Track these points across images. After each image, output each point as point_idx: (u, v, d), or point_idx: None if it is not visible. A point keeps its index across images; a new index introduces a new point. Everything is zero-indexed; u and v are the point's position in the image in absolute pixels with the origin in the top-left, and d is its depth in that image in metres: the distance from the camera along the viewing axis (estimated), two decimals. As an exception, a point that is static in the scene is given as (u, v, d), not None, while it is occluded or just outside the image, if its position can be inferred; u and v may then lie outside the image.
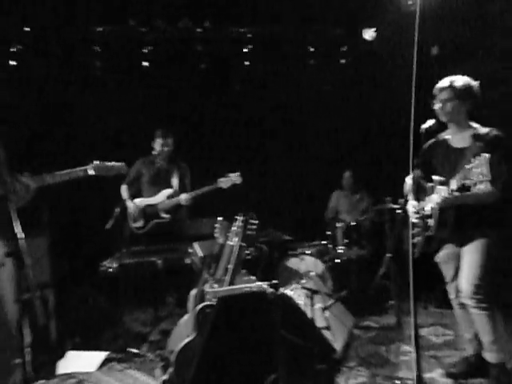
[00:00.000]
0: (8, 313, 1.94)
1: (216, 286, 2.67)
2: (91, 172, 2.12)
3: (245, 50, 5.34)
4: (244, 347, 2.40)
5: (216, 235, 3.10)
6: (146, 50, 5.17)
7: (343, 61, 5.48)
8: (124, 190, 4.02)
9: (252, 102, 5.50)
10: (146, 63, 5.20)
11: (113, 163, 2.21)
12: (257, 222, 2.71)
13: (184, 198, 3.78)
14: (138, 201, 3.94)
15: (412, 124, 2.12)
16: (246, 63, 5.39)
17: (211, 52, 5.27)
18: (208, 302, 2.57)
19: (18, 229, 1.49)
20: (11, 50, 4.65)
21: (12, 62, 4.67)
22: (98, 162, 2.15)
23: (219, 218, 4.38)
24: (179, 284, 4.06)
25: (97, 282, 3.74)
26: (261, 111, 5.49)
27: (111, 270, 3.44)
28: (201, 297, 2.81)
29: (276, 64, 5.40)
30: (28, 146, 4.35)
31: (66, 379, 2.96)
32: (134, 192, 3.89)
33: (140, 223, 3.89)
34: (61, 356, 3.26)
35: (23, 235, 1.47)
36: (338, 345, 2.83)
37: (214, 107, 5.40)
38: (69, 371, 3.06)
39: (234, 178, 3.74)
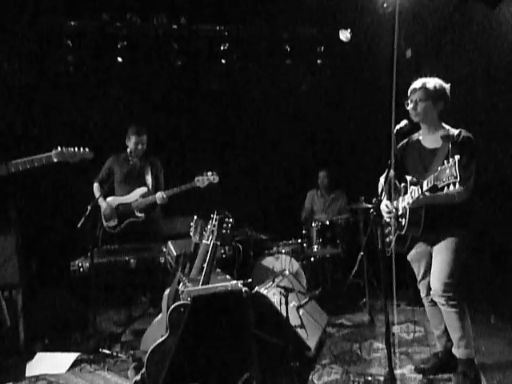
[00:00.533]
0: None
1: (190, 285, 2.64)
2: (55, 159, 2.05)
3: (221, 48, 5.31)
4: (217, 346, 2.39)
5: (191, 234, 3.06)
6: (120, 46, 5.08)
7: (319, 61, 5.52)
8: (96, 188, 3.94)
9: (228, 101, 5.48)
10: (120, 59, 5.11)
11: (76, 149, 2.14)
12: (232, 220, 2.69)
13: (160, 196, 3.73)
14: (110, 199, 3.86)
15: (393, 125, 2.15)
16: (222, 61, 5.37)
17: (187, 49, 5.22)
18: (181, 302, 2.54)
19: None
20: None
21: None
22: (61, 148, 2.08)
23: (194, 217, 4.36)
24: (153, 283, 4.00)
25: (68, 282, 3.64)
26: (237, 110, 5.49)
27: (82, 269, 3.36)
28: (175, 296, 2.77)
29: (252, 62, 5.40)
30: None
31: (35, 381, 2.88)
32: (107, 190, 3.81)
33: (113, 222, 3.82)
34: (30, 358, 3.17)
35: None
36: (311, 343, 2.85)
37: (190, 105, 5.36)
38: (38, 373, 2.98)
39: (211, 177, 3.72)
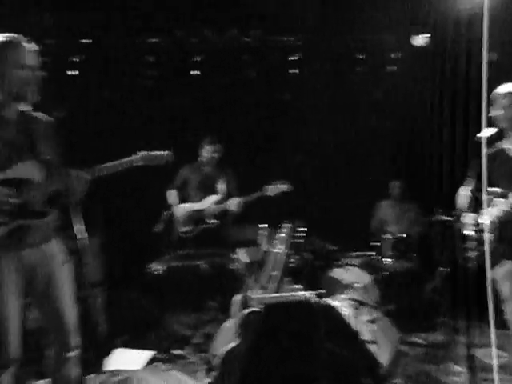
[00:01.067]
0: (64, 309, 2.02)
1: (260, 292, 2.67)
2: (138, 162, 2.17)
3: (293, 59, 5.35)
4: (288, 356, 2.38)
5: (260, 242, 3.10)
6: (195, 60, 5.31)
7: (393, 68, 5.36)
8: (172, 196, 4.12)
9: (300, 111, 5.49)
10: (195, 72, 5.34)
11: (158, 152, 2.25)
12: (303, 229, 2.69)
13: (233, 203, 3.82)
14: (185, 206, 4.03)
15: (482, 131, 2.03)
16: (295, 71, 5.40)
17: (259, 61, 5.32)
18: (252, 309, 2.57)
19: (79, 228, 1.56)
20: (72, 60, 4.93)
21: (71, 72, 4.95)
22: (143, 152, 2.21)
23: (262, 225, 4.41)
24: (222, 289, 4.10)
25: (144, 284, 3.84)
26: (309, 120, 5.47)
27: (158, 272, 3.53)
28: (244, 303, 2.82)
29: (324, 72, 5.37)
30: (81, 145, 4.56)
31: (113, 375, 3.05)
32: (182, 197, 3.98)
33: (187, 228, 3.97)
34: (108, 353, 3.36)
35: (86, 235, 1.53)
36: (383, 360, 2.74)
37: (262, 116, 5.44)
38: (116, 368, 3.15)
39: (282, 186, 3.75)
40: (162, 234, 3.30)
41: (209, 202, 3.97)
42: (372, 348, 2.74)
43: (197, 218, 3.96)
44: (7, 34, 1.94)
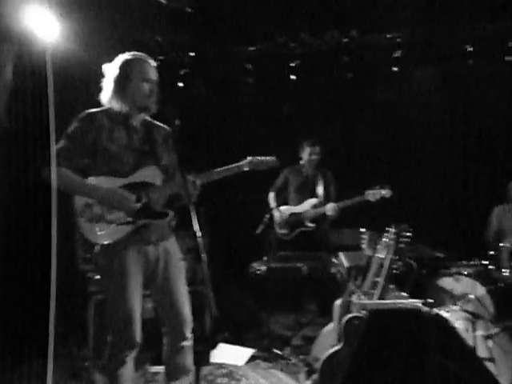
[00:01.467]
0: (180, 301, 2.18)
1: (364, 298, 2.61)
2: (246, 167, 2.27)
3: (395, 56, 5.13)
4: (394, 365, 2.28)
5: (363, 246, 3.02)
6: (293, 64, 5.37)
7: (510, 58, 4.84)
8: (271, 198, 4.22)
9: (403, 111, 5.25)
10: (293, 76, 5.40)
11: (265, 157, 2.32)
12: (410, 234, 2.57)
13: (330, 208, 3.79)
14: (284, 208, 4.09)
15: None
16: (395, 69, 5.18)
17: (358, 61, 5.20)
18: (356, 314, 2.52)
19: (196, 227, 1.68)
20: (180, 73, 5.32)
21: (180, 84, 5.34)
22: (251, 158, 2.29)
23: (362, 229, 4.29)
24: (322, 292, 4.07)
25: (245, 283, 3.97)
26: (413, 119, 5.20)
27: (259, 272, 3.63)
28: (346, 307, 2.77)
29: (429, 68, 5.07)
30: (191, 151, 4.89)
31: (218, 368, 3.22)
32: (281, 200, 4.05)
33: (286, 230, 4.03)
34: (213, 347, 3.55)
35: (201, 233, 1.65)
36: (503, 381, 2.49)
37: (363, 116, 5.31)
38: (220, 361, 3.32)
39: (383, 191, 3.62)
40: (263, 236, 3.39)
41: (307, 206, 3.98)
42: (489, 366, 2.51)
43: (295, 220, 4.00)
44: (133, 53, 2.16)
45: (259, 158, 2.29)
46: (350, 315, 2.51)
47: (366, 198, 3.66)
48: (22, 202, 2.80)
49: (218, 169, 2.23)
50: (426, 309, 2.25)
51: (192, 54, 5.25)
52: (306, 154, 4.01)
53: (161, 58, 4.96)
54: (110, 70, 2.13)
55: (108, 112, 2.12)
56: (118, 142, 2.08)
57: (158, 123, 2.27)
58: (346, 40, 5.24)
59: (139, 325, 2.12)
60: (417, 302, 2.35)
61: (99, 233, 2.03)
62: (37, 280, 2.35)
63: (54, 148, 1.94)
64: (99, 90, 2.14)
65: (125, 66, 2.11)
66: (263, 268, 3.61)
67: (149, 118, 2.23)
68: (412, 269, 3.76)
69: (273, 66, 5.44)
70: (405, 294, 2.78)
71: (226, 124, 5.35)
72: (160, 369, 3.06)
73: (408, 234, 2.60)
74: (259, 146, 5.00)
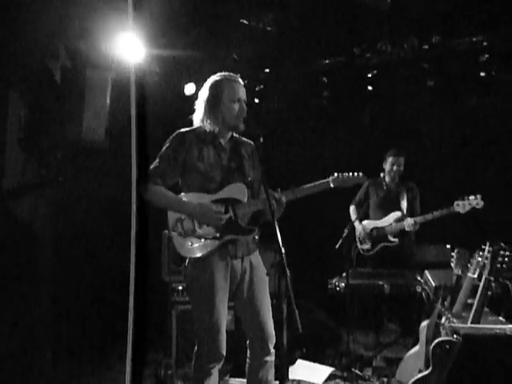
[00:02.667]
0: (264, 314, 2.19)
1: (455, 321, 2.42)
2: (332, 184, 2.23)
3: (481, 60, 4.80)
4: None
5: (452, 265, 2.82)
6: (370, 75, 5.24)
7: None
8: (352, 211, 4.11)
9: (491, 117, 4.87)
10: (370, 87, 5.26)
11: (352, 174, 2.26)
12: (509, 253, 2.35)
13: (409, 223, 3.60)
14: (366, 223, 3.96)
15: None
16: (482, 74, 4.83)
17: (439, 68, 4.94)
18: (446, 338, 2.35)
19: (280, 243, 1.69)
20: (256, 89, 5.44)
21: (256, 100, 5.46)
22: (337, 174, 2.25)
23: (448, 246, 4.00)
24: (404, 312, 3.87)
25: (324, 299, 3.89)
26: (503, 125, 4.80)
27: (338, 288, 3.53)
28: (434, 330, 2.60)
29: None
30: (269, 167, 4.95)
31: (296, 385, 3.19)
32: (362, 213, 3.93)
33: (367, 245, 3.90)
34: (291, 362, 3.50)
35: (284, 250, 1.65)
36: None
37: (447, 124, 5.01)
38: (298, 378, 3.27)
39: (474, 201, 3.34)
40: (343, 251, 3.30)
41: (390, 220, 3.82)
42: None
43: (377, 235, 3.85)
44: (223, 73, 2.23)
45: (346, 174, 2.24)
46: (439, 339, 2.34)
47: (455, 209, 3.41)
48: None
49: (305, 185, 2.22)
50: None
51: (267, 70, 5.36)
52: (389, 165, 3.85)
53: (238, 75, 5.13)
54: (202, 92, 2.23)
55: (197, 131, 2.22)
56: (206, 160, 2.17)
57: (244, 139, 2.32)
58: (426, 47, 5.03)
59: (224, 337, 2.17)
60: (517, 328, 2.13)
61: (189, 247, 2.13)
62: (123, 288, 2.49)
63: (135, 164, 2.09)
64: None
65: (215, 87, 2.19)
66: (342, 285, 3.51)
67: (236, 135, 2.29)
68: (509, 291, 3.43)
69: (349, 77, 5.36)
70: (501, 319, 2.54)
71: (303, 138, 5.34)
72: (239, 381, 3.12)
73: (506, 252, 2.38)
74: (339, 161, 4.99)
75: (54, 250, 3.12)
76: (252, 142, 2.30)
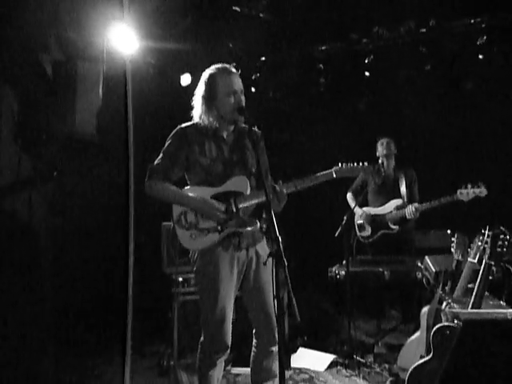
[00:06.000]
0: (270, 304, 2.18)
1: (456, 306, 2.42)
2: (335, 175, 2.21)
3: (478, 43, 4.73)
4: (489, 381, 2.09)
5: (452, 250, 2.81)
6: (367, 60, 5.17)
7: None
8: (350, 198, 4.08)
9: (489, 102, 4.82)
10: (367, 73, 5.20)
11: (354, 165, 2.23)
12: (509, 238, 2.34)
13: (410, 210, 3.58)
14: (365, 210, 3.94)
15: None
16: (480, 57, 4.77)
17: (437, 51, 4.87)
18: (446, 323, 2.35)
19: (277, 232, 1.68)
20: (252, 78, 5.39)
21: (253, 89, 5.41)
22: (341, 164, 2.22)
23: (448, 231, 3.99)
24: (406, 298, 3.87)
25: (324, 286, 3.89)
26: (501, 111, 4.76)
27: (339, 276, 3.53)
28: (435, 316, 2.60)
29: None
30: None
31: (299, 373, 3.20)
32: (361, 200, 3.91)
33: (367, 232, 3.89)
34: (293, 350, 3.52)
35: (280, 239, 1.65)
36: None
37: (444, 110, 4.97)
38: (300, 366, 3.29)
39: (477, 189, 3.32)
40: (342, 238, 3.29)
41: (390, 207, 3.80)
42: None
43: (377, 222, 3.83)
44: (217, 66, 2.19)
45: (350, 164, 2.21)
46: (440, 324, 2.34)
47: (458, 197, 3.38)
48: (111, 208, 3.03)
49: (307, 177, 2.19)
50: (529, 320, 2.03)
51: (263, 58, 5.30)
52: (379, 148, 3.84)
53: (233, 64, 5.07)
54: (198, 88, 2.21)
55: (199, 126, 2.21)
56: (208, 154, 2.17)
57: (247, 127, 2.23)
58: (423, 30, 4.96)
59: (230, 328, 2.18)
60: (517, 312, 2.13)
61: (192, 239, 2.14)
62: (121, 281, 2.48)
63: (131, 158, 2.09)
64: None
65: (209, 82, 2.17)
66: (342, 272, 3.51)
67: (243, 125, 2.25)
68: (510, 275, 3.43)
69: (346, 63, 5.30)
70: (502, 303, 2.54)
71: (301, 126, 5.30)
72: (242, 370, 3.13)
73: (506, 237, 2.37)
74: (336, 148, 4.96)
75: (49, 244, 3.11)
76: (257, 130, 2.27)
